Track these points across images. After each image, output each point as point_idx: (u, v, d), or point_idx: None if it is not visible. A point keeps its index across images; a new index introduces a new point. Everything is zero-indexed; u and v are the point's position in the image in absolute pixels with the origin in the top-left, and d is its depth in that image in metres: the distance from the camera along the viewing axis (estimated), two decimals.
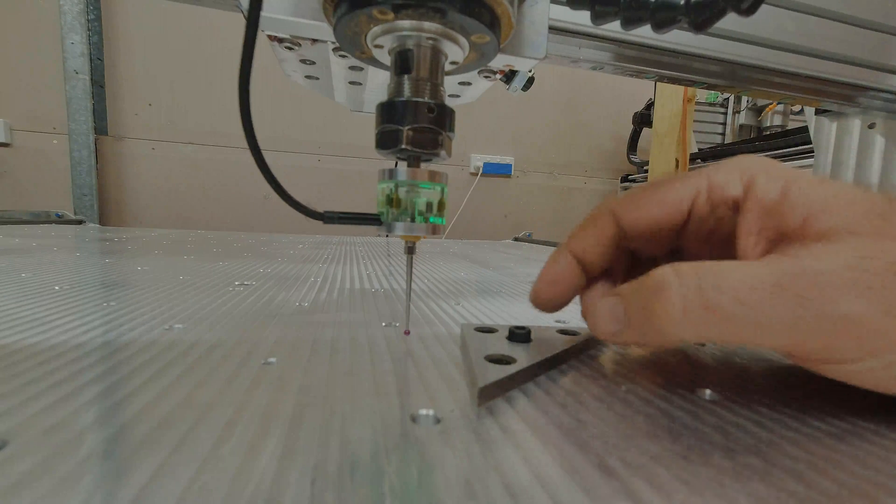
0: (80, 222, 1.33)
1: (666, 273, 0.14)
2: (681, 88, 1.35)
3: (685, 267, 0.14)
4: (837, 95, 0.55)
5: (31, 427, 0.12)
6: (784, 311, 0.12)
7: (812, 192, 0.14)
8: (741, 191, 0.16)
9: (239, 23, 0.15)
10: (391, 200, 0.18)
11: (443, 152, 0.18)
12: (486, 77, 0.21)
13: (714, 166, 0.17)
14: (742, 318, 0.12)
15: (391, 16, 0.15)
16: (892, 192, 0.15)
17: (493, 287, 0.40)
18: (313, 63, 0.21)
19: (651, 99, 1.59)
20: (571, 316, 0.29)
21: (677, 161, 1.38)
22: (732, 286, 0.13)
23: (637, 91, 1.86)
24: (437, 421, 0.13)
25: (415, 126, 0.17)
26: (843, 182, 0.15)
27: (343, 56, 0.20)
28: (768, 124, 1.73)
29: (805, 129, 1.05)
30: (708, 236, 0.17)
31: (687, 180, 0.16)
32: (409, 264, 0.22)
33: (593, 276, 0.18)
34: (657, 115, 1.48)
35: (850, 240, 0.13)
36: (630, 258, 0.19)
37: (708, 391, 0.16)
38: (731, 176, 0.16)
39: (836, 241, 0.13)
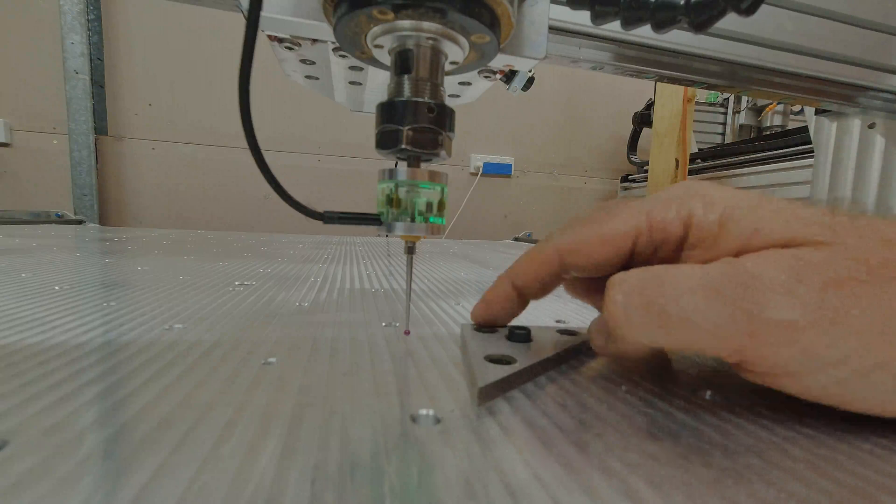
0: (80, 222, 1.33)
1: (615, 276, 0.15)
2: (681, 88, 1.35)
3: (632, 271, 0.14)
4: (837, 95, 0.55)
5: (31, 427, 0.12)
6: (718, 314, 0.12)
7: (751, 215, 0.14)
8: (681, 228, 0.15)
9: (239, 23, 0.15)
10: (391, 200, 0.18)
11: (443, 152, 0.18)
12: (486, 77, 0.21)
13: (652, 200, 0.16)
14: (679, 320, 0.13)
15: (391, 16, 0.15)
16: (840, 203, 0.14)
17: None
18: (313, 63, 0.21)
19: (651, 99, 1.59)
20: (571, 316, 0.29)
21: (677, 161, 1.38)
22: (671, 287, 0.13)
23: (637, 91, 1.86)
24: (437, 421, 0.13)
25: (415, 126, 0.17)
26: (788, 199, 0.15)
27: (343, 56, 0.20)
28: (768, 124, 1.73)
29: (805, 129, 1.05)
30: (652, 259, 0.17)
31: (628, 219, 0.16)
32: (409, 264, 0.22)
33: (533, 299, 0.20)
34: (657, 115, 1.48)
35: (792, 250, 0.13)
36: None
37: (708, 391, 0.16)
38: (669, 213, 0.16)
39: (777, 251, 0.13)
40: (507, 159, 1.89)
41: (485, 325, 0.21)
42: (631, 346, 0.17)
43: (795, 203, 0.14)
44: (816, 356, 0.12)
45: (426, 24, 0.16)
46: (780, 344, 0.12)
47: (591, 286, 0.20)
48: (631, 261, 0.17)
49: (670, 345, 0.14)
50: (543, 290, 0.19)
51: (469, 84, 0.23)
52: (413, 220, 0.18)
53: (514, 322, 0.21)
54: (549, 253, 0.18)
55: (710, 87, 0.52)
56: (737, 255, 0.14)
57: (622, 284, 0.14)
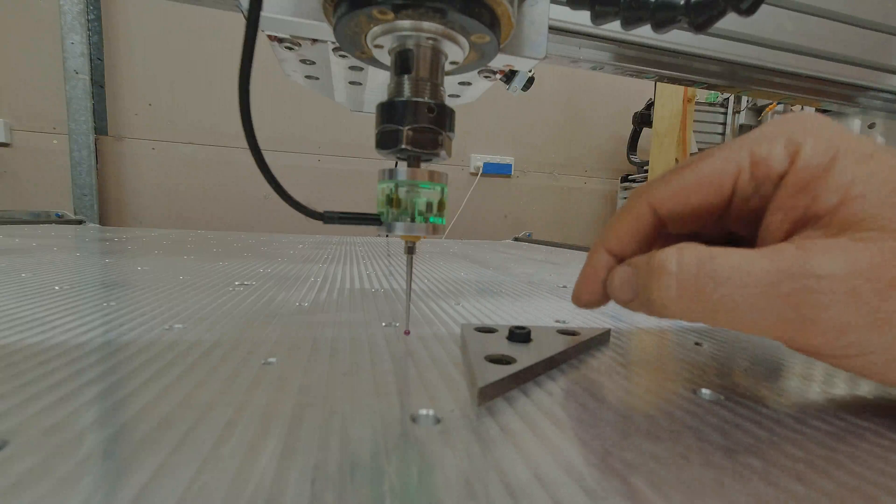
0: (80, 222, 1.33)
1: (668, 256, 0.14)
2: (681, 88, 1.35)
3: (688, 252, 0.14)
4: (837, 95, 0.55)
5: (31, 427, 0.12)
6: (773, 311, 0.12)
7: (855, 172, 0.13)
8: (786, 164, 0.14)
9: (239, 23, 0.15)
10: (391, 200, 0.18)
11: (443, 152, 0.18)
12: (486, 77, 0.21)
13: (757, 133, 0.15)
14: (732, 311, 0.13)
15: (391, 16, 0.15)
16: None
17: (493, 287, 0.40)
18: (313, 63, 0.21)
19: (651, 99, 1.59)
20: (572, 316, 0.29)
21: (677, 161, 1.38)
22: (728, 279, 0.13)
23: (637, 91, 1.86)
24: (437, 421, 0.13)
25: (415, 126, 0.17)
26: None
27: (343, 56, 0.20)
28: None
29: None
30: (755, 214, 0.15)
31: (728, 156, 0.15)
32: (409, 264, 0.22)
33: None
34: (657, 115, 1.48)
35: (871, 242, 0.12)
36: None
37: (708, 391, 0.16)
38: (775, 147, 0.14)
39: (857, 238, 0.12)
40: (507, 159, 1.89)
41: (590, 306, 0.19)
42: (660, 315, 0.15)
43: None
44: (866, 348, 0.12)
45: (426, 24, 0.16)
46: (831, 339, 0.12)
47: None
48: (730, 205, 0.15)
49: (717, 326, 0.14)
50: (641, 248, 0.17)
51: (469, 84, 0.23)
52: (413, 220, 0.18)
53: (514, 322, 0.21)
54: (641, 206, 0.16)
55: (710, 87, 0.52)
56: (828, 211, 0.13)
57: (679, 268, 0.14)
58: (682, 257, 0.14)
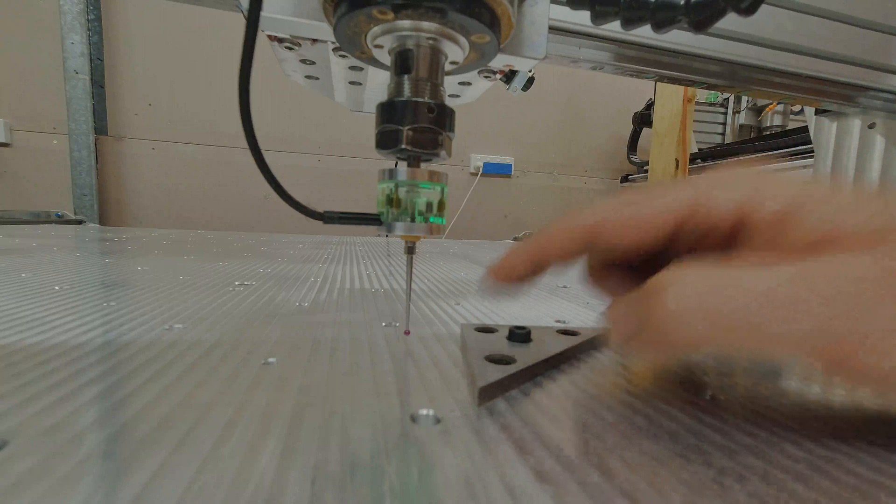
0: (80, 222, 1.33)
1: (669, 276, 0.12)
2: (681, 88, 1.35)
3: (692, 270, 0.12)
4: (837, 95, 0.55)
5: (31, 427, 0.12)
6: (811, 324, 0.11)
7: (824, 207, 0.12)
8: (734, 219, 0.14)
9: (239, 23, 0.15)
10: (391, 200, 0.18)
11: (443, 152, 0.18)
12: (486, 77, 0.21)
13: (702, 184, 0.14)
14: (757, 329, 0.11)
15: (391, 16, 0.15)
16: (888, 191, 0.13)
17: None
18: (313, 63, 0.21)
19: (651, 99, 1.59)
20: (572, 316, 0.29)
21: (677, 161, 1.38)
22: (746, 294, 0.11)
23: (637, 91, 1.86)
24: (437, 421, 0.13)
25: (415, 126, 0.17)
26: (853, 189, 0.13)
27: (343, 56, 0.20)
28: (768, 124, 1.73)
29: (805, 129, 1.05)
30: (696, 247, 0.15)
31: (671, 203, 0.14)
32: (409, 264, 0.22)
33: (552, 272, 0.17)
34: (657, 115, 1.48)
35: (883, 248, 0.11)
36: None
37: (708, 391, 0.16)
38: (720, 200, 0.14)
39: (866, 249, 0.11)
40: (507, 159, 1.89)
41: (498, 287, 0.18)
42: (666, 349, 0.14)
43: (864, 192, 0.13)
44: None
45: (426, 24, 0.16)
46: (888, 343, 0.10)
47: (614, 273, 0.18)
48: (669, 248, 0.15)
49: (740, 351, 0.12)
50: (566, 265, 0.17)
51: (469, 84, 0.23)
52: (413, 220, 0.18)
53: (514, 322, 0.21)
54: (580, 230, 0.16)
55: (710, 87, 0.52)
56: (809, 252, 0.12)
57: (683, 286, 0.12)
58: (686, 273, 0.12)
